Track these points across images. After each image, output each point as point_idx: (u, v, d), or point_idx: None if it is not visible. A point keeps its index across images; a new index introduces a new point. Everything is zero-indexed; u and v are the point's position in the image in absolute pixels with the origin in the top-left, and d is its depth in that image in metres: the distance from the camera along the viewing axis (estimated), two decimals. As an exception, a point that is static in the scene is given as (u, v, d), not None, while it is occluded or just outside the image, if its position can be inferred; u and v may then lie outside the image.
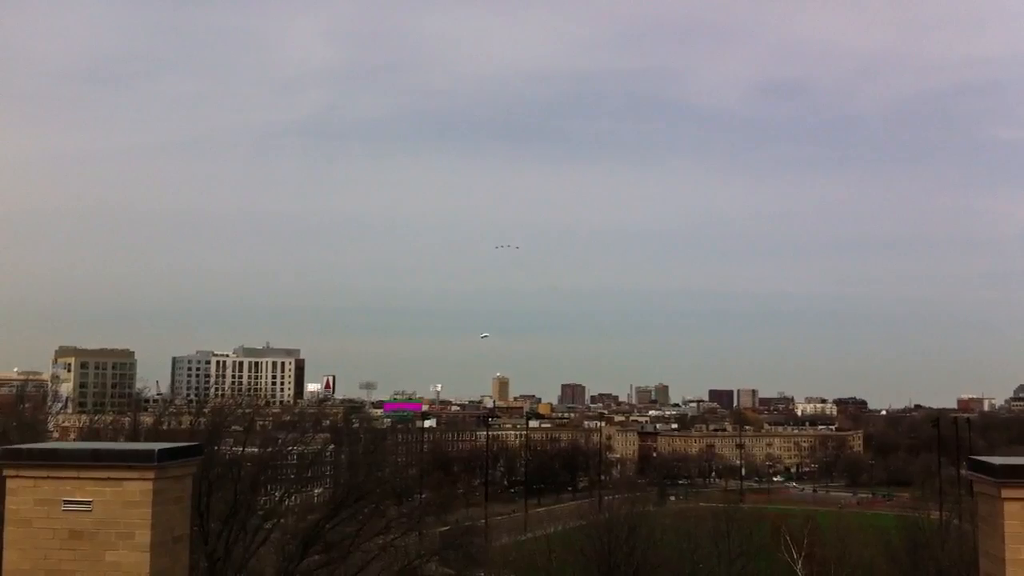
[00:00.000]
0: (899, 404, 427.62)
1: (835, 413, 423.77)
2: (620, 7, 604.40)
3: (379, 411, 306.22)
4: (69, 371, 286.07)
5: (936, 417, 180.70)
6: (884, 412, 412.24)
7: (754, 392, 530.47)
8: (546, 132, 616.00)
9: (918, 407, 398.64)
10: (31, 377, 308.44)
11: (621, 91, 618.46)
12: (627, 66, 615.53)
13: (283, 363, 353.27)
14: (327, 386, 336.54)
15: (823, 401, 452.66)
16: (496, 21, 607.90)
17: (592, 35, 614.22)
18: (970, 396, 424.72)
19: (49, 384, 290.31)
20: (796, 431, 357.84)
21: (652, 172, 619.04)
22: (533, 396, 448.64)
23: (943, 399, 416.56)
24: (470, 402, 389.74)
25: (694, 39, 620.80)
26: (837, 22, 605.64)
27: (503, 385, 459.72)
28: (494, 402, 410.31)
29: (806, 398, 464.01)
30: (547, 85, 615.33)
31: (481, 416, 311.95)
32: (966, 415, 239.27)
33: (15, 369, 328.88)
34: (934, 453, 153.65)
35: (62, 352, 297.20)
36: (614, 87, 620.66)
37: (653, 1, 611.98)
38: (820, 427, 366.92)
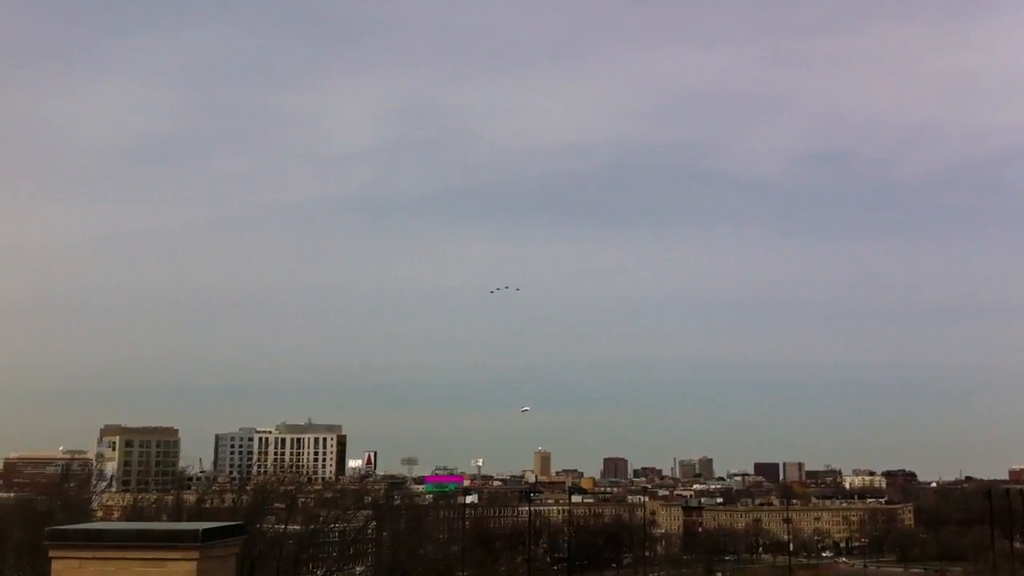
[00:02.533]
0: (949, 476, 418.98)
1: (884, 486, 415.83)
2: (662, 79, 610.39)
3: (421, 487, 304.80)
4: (114, 449, 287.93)
5: (988, 489, 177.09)
6: (934, 484, 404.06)
7: (800, 465, 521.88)
8: (589, 204, 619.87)
9: (969, 479, 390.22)
10: (76, 456, 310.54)
11: (664, 162, 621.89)
12: (669, 137, 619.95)
13: (325, 439, 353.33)
14: (368, 462, 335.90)
15: (871, 474, 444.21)
16: (539, 95, 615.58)
17: (634, 107, 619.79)
18: (1022, 467, 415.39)
19: (94, 463, 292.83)
20: (845, 504, 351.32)
21: (695, 242, 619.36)
22: (575, 470, 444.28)
23: (995, 470, 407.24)
24: (512, 477, 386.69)
25: (736, 110, 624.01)
26: (879, 91, 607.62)
27: (545, 459, 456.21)
28: (536, 477, 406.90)
29: (854, 471, 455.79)
30: (590, 157, 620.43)
31: (523, 491, 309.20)
32: (1019, 486, 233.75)
33: (60, 448, 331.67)
34: (987, 526, 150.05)
35: (107, 431, 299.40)
36: (657, 158, 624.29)
37: (695, 73, 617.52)
38: (869, 500, 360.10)
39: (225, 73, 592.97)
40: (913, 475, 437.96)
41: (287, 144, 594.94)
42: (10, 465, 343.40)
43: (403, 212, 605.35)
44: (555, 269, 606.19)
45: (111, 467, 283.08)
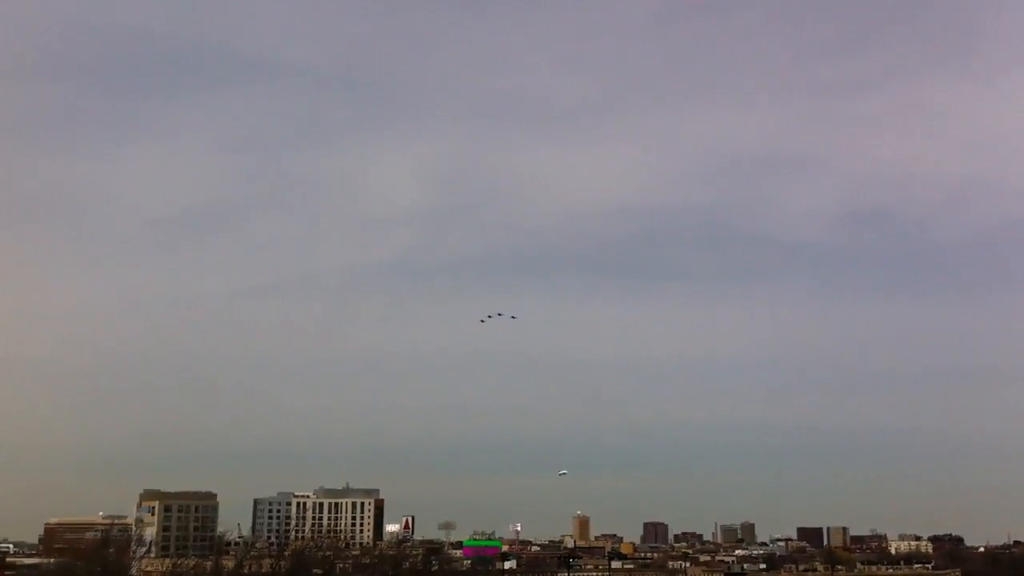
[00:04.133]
0: (997, 540, 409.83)
1: (930, 551, 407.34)
2: (700, 141, 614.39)
3: (458, 552, 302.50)
4: (153, 514, 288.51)
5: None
6: (982, 549, 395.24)
7: (845, 530, 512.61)
8: (626, 265, 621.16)
9: (1017, 543, 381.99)
10: (116, 521, 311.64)
11: (702, 223, 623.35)
12: (707, 199, 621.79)
13: (363, 503, 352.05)
14: (406, 527, 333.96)
15: (917, 538, 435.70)
16: (578, 158, 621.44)
17: (671, 169, 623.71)
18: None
19: (133, 528, 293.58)
20: (891, 570, 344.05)
21: (733, 303, 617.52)
22: (614, 535, 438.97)
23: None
24: (550, 542, 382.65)
25: (774, 170, 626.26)
26: (918, 150, 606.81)
27: (583, 524, 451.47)
28: (575, 542, 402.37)
29: (900, 535, 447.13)
30: (628, 219, 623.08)
31: (562, 556, 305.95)
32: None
33: (100, 513, 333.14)
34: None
35: (146, 496, 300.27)
36: (695, 220, 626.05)
37: (733, 134, 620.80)
38: (915, 565, 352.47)
39: (267, 140, 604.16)
40: (960, 540, 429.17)
41: (328, 209, 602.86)
42: (50, 530, 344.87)
43: (442, 275, 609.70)
44: (592, 331, 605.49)
45: (150, 532, 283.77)
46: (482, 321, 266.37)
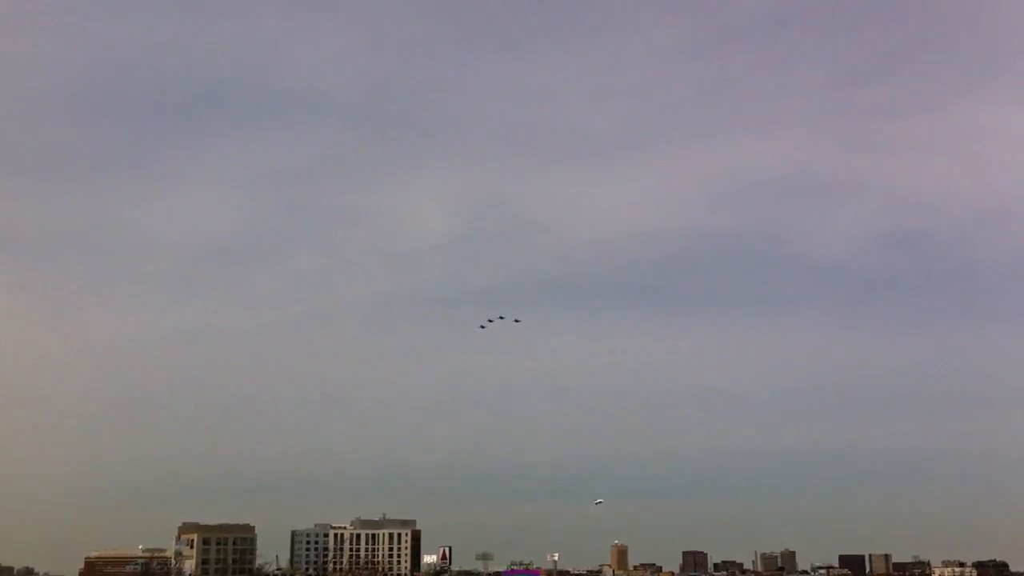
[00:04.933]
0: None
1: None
2: (730, 167, 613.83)
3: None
4: (192, 547, 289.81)
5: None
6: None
7: (887, 557, 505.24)
8: (659, 292, 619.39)
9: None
10: (155, 555, 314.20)
11: (734, 249, 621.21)
12: (739, 224, 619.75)
13: (399, 534, 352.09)
14: (443, 557, 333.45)
15: (961, 565, 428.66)
16: (608, 186, 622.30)
17: (703, 195, 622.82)
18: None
19: (172, 561, 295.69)
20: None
21: (767, 328, 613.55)
22: (653, 564, 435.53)
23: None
24: (588, 571, 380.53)
25: (806, 195, 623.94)
26: (952, 172, 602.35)
27: (622, 553, 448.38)
28: (613, 571, 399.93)
29: (943, 562, 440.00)
30: (659, 246, 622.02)
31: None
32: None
33: (140, 547, 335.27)
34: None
35: (185, 528, 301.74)
36: (727, 245, 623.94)
37: (763, 159, 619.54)
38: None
39: (299, 175, 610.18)
40: (1005, 565, 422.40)
41: (359, 241, 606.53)
42: (91, 564, 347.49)
43: (473, 304, 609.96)
44: (624, 359, 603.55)
45: (189, 565, 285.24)
46: (482, 327, 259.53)
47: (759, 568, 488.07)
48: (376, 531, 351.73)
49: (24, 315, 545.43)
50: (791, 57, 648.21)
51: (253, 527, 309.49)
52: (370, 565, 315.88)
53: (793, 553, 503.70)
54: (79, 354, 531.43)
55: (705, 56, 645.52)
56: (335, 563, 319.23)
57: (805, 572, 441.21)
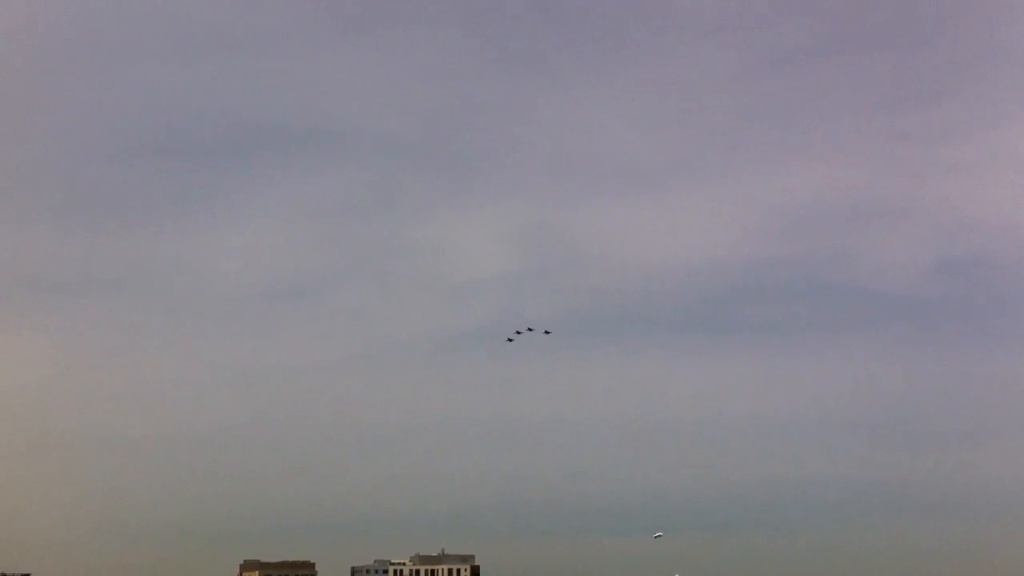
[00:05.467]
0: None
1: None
2: (782, 195, 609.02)
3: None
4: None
5: None
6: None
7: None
8: (713, 321, 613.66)
9: None
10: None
11: (786, 277, 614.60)
12: (791, 252, 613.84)
13: (458, 570, 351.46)
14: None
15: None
16: (660, 215, 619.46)
17: (755, 223, 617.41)
18: None
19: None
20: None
21: (824, 358, 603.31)
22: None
23: None
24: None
25: (861, 221, 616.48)
26: (1011, 196, 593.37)
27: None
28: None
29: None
30: (711, 276, 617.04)
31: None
32: None
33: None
34: None
35: (246, 567, 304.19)
36: (779, 274, 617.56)
37: (816, 186, 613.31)
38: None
39: (350, 211, 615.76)
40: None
41: (413, 276, 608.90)
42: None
43: (527, 339, 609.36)
44: (678, 390, 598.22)
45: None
46: (509, 340, 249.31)
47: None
48: (435, 567, 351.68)
49: (77, 357, 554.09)
50: (839, 82, 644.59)
51: (313, 564, 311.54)
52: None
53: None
54: (134, 395, 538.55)
55: (753, 82, 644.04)
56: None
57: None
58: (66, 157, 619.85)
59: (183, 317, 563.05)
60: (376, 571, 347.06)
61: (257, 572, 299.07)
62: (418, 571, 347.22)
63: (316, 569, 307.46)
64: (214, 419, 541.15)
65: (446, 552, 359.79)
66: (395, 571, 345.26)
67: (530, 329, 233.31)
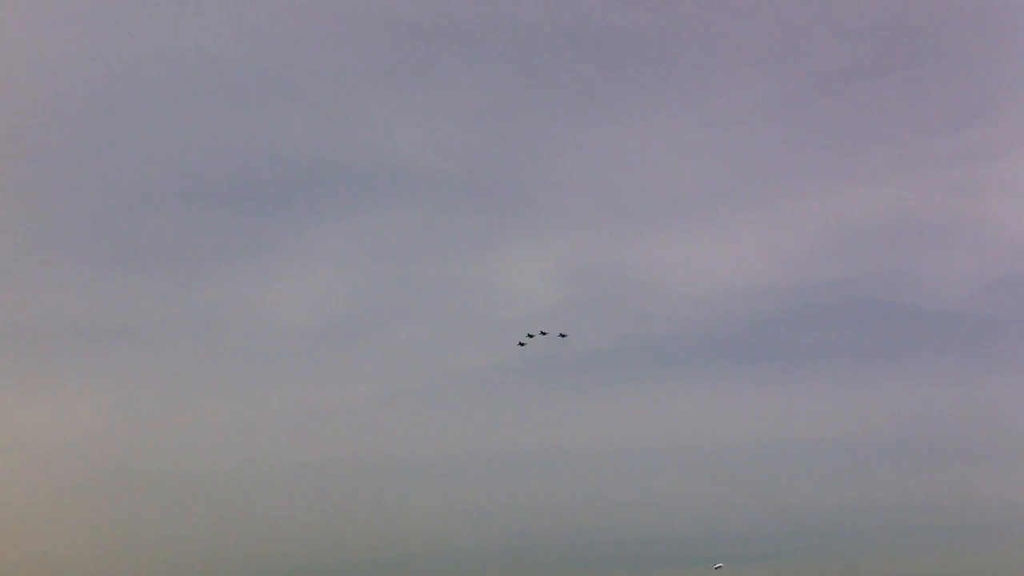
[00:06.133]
0: None
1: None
2: (829, 218, 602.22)
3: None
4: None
5: None
6: None
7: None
8: (762, 347, 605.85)
9: None
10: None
11: (838, 300, 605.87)
12: (841, 275, 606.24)
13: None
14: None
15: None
16: (706, 243, 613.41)
17: (804, 247, 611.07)
18: None
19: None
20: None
21: (879, 379, 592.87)
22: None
23: None
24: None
25: (911, 241, 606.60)
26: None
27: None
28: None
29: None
30: (760, 300, 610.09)
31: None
32: None
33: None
34: None
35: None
36: (830, 296, 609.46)
37: (863, 209, 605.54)
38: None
39: (404, 249, 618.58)
40: None
41: (467, 312, 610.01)
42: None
43: (578, 370, 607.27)
44: (736, 415, 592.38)
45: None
46: (521, 344, 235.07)
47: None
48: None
49: (138, 402, 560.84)
50: (884, 103, 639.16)
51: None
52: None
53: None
54: (195, 436, 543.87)
55: (796, 107, 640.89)
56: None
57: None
58: (122, 204, 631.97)
59: (241, 359, 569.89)
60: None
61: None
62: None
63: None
64: (275, 457, 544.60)
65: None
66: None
67: (543, 332, 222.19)
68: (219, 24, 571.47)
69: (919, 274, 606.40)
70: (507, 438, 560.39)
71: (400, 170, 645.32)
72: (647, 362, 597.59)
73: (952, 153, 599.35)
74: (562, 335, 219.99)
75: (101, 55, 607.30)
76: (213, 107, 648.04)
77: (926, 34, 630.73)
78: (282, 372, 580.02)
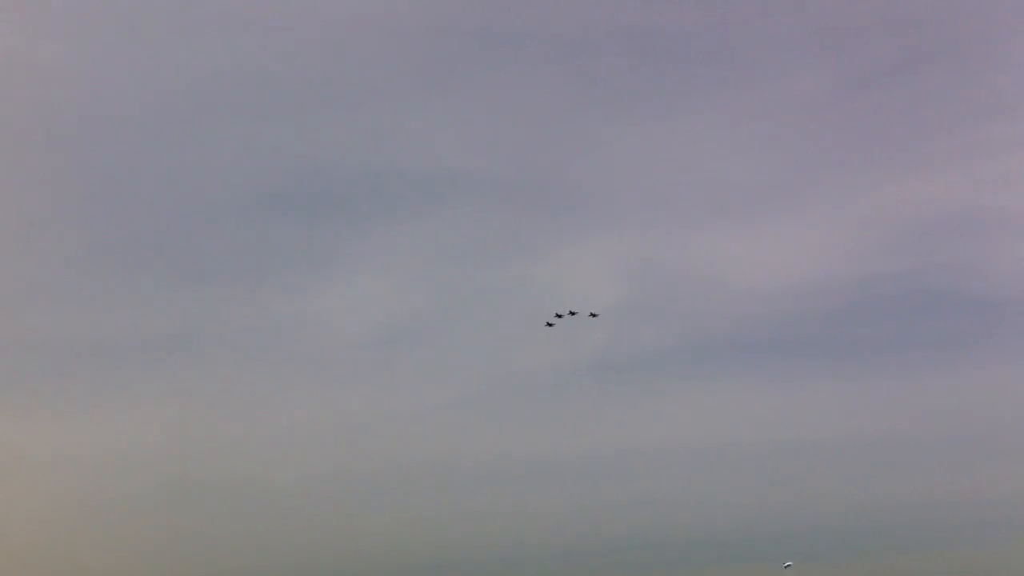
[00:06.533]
0: None
1: None
2: (893, 208, 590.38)
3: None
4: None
5: None
6: None
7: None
8: (830, 341, 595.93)
9: None
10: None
11: (904, 291, 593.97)
12: (907, 266, 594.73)
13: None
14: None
15: None
16: (768, 238, 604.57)
17: (867, 239, 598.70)
18: None
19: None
20: None
21: (948, 370, 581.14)
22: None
23: None
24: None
25: (977, 230, 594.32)
26: None
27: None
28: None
29: None
30: (825, 295, 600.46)
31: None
32: None
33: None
34: None
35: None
36: (896, 288, 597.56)
37: (927, 198, 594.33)
38: None
39: (460, 254, 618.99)
40: None
41: (523, 314, 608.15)
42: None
43: (639, 369, 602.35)
44: (801, 411, 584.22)
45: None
46: (549, 324, 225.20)
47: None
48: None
49: (202, 411, 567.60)
50: (941, 91, 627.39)
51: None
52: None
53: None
54: (258, 445, 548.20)
55: (848, 100, 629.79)
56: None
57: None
58: (181, 219, 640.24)
59: (300, 368, 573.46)
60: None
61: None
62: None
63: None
64: (335, 465, 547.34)
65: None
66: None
67: (572, 312, 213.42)
68: (269, 42, 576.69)
69: (984, 263, 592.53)
70: (568, 440, 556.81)
71: (452, 175, 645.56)
72: (708, 360, 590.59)
73: (1014, 139, 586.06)
74: (593, 314, 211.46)
75: (160, 75, 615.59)
76: (265, 122, 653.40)
77: (982, 19, 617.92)
78: (340, 380, 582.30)
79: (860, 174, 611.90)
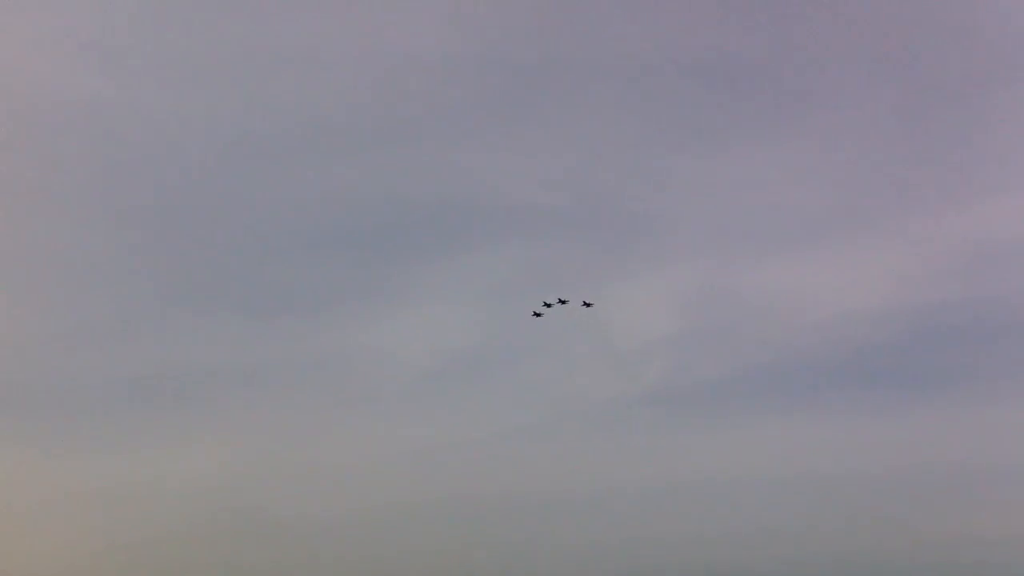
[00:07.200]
0: None
1: None
2: (957, 234, 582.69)
3: None
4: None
5: None
6: None
7: None
8: (890, 372, 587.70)
9: None
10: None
11: (970, 320, 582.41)
12: (972, 293, 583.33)
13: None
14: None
15: None
16: (828, 267, 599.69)
17: (931, 266, 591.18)
18: None
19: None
20: None
21: (1018, 402, 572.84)
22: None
23: None
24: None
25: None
26: None
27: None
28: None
29: None
30: (887, 324, 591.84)
31: None
32: None
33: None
34: None
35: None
36: (961, 317, 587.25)
37: (992, 223, 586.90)
38: None
39: (522, 285, 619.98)
40: None
41: (585, 344, 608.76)
42: None
43: (698, 400, 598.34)
44: (864, 442, 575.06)
45: None
46: (537, 314, 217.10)
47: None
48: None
49: (267, 445, 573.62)
50: (1012, 109, 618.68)
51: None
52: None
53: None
54: (324, 475, 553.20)
55: (917, 118, 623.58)
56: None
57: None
58: (246, 254, 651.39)
59: (363, 400, 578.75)
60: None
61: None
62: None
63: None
64: (399, 497, 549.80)
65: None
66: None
67: (563, 301, 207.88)
68: (330, 78, 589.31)
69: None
70: (628, 471, 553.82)
71: (513, 207, 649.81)
72: (769, 390, 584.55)
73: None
74: (586, 303, 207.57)
75: (229, 115, 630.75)
76: (327, 157, 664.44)
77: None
78: (403, 411, 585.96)
79: (919, 202, 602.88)
